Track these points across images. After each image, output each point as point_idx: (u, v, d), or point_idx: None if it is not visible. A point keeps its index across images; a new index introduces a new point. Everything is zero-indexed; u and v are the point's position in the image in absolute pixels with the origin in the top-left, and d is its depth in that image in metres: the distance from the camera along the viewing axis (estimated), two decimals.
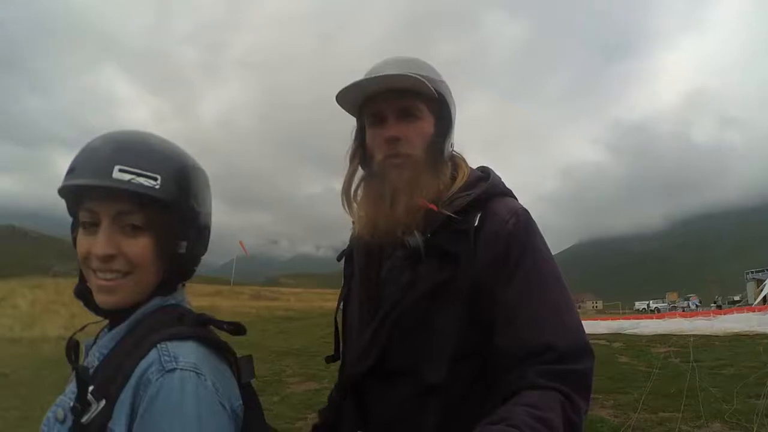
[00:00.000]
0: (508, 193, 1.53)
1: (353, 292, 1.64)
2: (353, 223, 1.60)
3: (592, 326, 14.77)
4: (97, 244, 1.10)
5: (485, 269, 1.35)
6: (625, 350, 10.76)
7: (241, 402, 1.11)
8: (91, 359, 1.11)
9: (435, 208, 1.41)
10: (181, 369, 1.00)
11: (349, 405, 1.46)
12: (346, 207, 1.60)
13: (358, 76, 1.48)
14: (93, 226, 1.12)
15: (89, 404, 1.00)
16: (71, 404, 1.02)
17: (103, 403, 1.00)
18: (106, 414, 0.98)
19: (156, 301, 1.16)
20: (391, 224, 1.44)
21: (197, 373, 1.01)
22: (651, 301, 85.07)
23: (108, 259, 1.10)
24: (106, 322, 1.20)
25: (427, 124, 1.49)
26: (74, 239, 1.15)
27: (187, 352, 1.04)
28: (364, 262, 1.59)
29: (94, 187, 1.08)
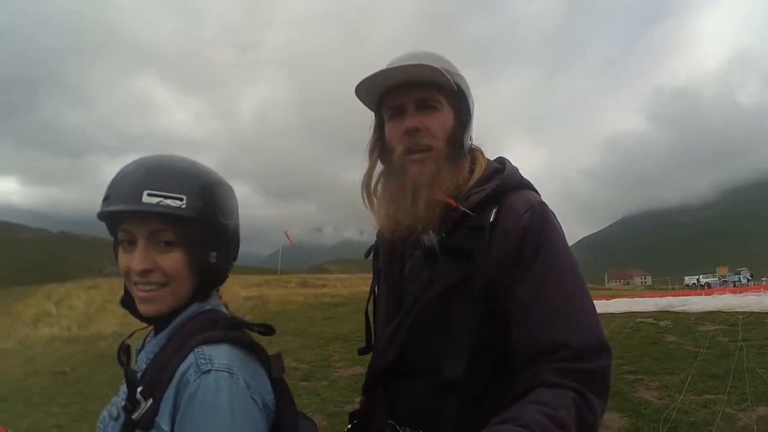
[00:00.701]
0: (525, 185, 1.50)
1: (380, 288, 1.66)
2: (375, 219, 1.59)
3: (640, 304, 14.46)
4: (135, 260, 1.21)
5: (500, 266, 1.34)
6: (673, 329, 10.50)
7: (272, 396, 1.22)
8: (140, 363, 1.25)
9: (453, 203, 1.41)
10: (216, 370, 1.12)
11: (380, 395, 1.51)
12: (367, 203, 1.59)
13: (379, 68, 1.47)
14: (130, 244, 1.24)
15: (138, 403, 1.14)
16: (123, 403, 1.17)
17: (150, 401, 1.13)
18: (153, 411, 1.12)
19: (193, 308, 1.28)
20: (413, 220, 1.45)
21: (230, 373, 1.13)
22: (701, 276, 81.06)
23: (146, 273, 1.22)
24: (151, 327, 1.32)
25: (447, 116, 1.48)
26: (116, 255, 1.27)
27: (220, 355, 1.15)
28: (388, 260, 1.61)
29: (127, 212, 1.20)
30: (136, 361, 1.28)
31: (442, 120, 1.47)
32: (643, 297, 16.02)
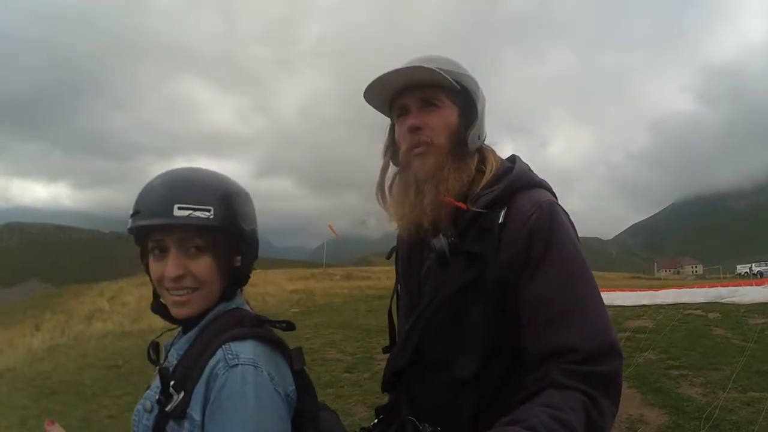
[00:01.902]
0: (536, 184, 1.49)
1: (401, 289, 1.71)
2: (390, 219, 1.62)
3: (689, 294, 14.08)
4: (168, 267, 1.31)
5: (508, 267, 1.35)
6: (721, 321, 10.16)
7: (294, 387, 1.34)
8: (171, 359, 1.36)
9: (463, 206, 1.43)
10: (242, 364, 1.23)
11: (403, 390, 1.56)
12: (381, 202, 1.64)
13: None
14: (161, 252, 1.35)
15: (171, 396, 1.25)
16: (156, 397, 1.28)
17: (182, 394, 1.24)
18: (185, 403, 1.23)
19: (220, 307, 1.39)
20: (417, 215, 1.48)
21: (255, 367, 1.23)
22: (753, 264, 77.45)
23: (179, 279, 1.31)
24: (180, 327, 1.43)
25: (450, 114, 1.50)
26: (146, 265, 1.39)
27: (246, 350, 1.26)
28: (406, 261, 1.66)
29: (161, 225, 1.30)
30: (167, 357, 1.39)
31: (443, 117, 1.50)
32: (692, 288, 15.57)
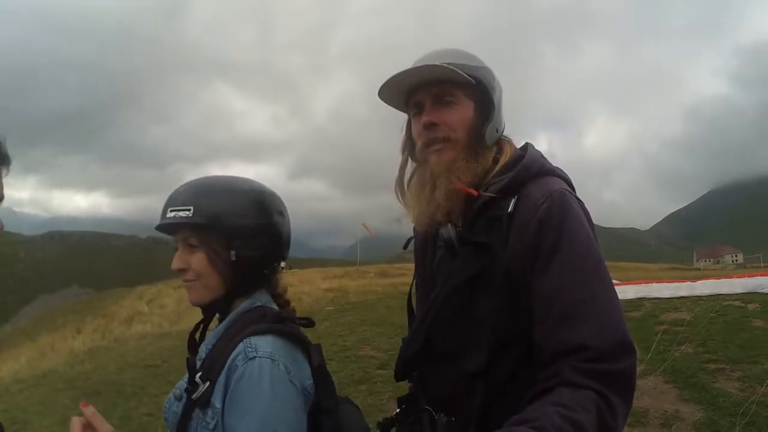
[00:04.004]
0: (548, 172, 1.47)
1: (417, 280, 1.72)
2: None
3: (728, 285, 13.73)
4: (173, 261, 1.47)
5: (517, 259, 1.33)
6: (761, 312, 9.81)
7: (312, 381, 1.39)
8: (201, 352, 1.45)
9: (474, 193, 1.42)
10: (260, 357, 1.31)
11: (418, 380, 1.60)
12: (400, 198, 1.64)
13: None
14: (175, 250, 1.49)
15: (198, 385, 1.34)
16: (185, 386, 1.38)
17: (207, 384, 1.33)
18: (209, 392, 1.32)
19: (245, 304, 1.48)
20: (431, 209, 1.48)
21: (272, 360, 1.31)
22: None
23: (181, 272, 1.47)
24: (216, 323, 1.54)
25: (465, 109, 1.48)
26: None
27: (265, 344, 1.33)
28: (421, 252, 1.68)
29: (159, 226, 1.47)
30: (196, 350, 1.49)
31: (459, 113, 1.48)
32: (731, 278, 15.19)
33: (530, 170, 1.44)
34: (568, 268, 1.29)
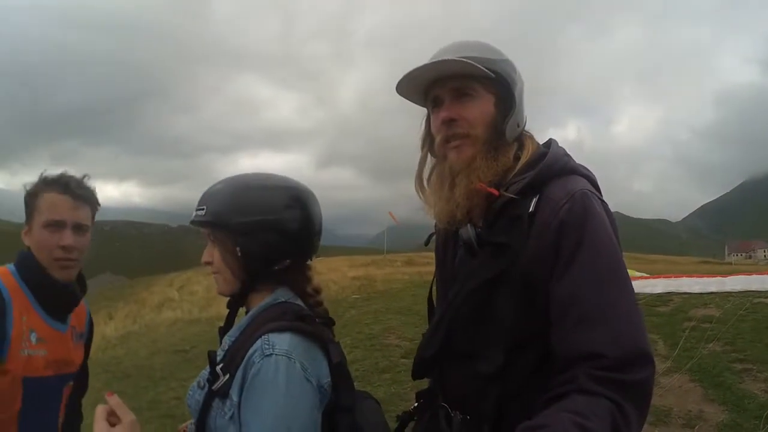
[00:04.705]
0: (571, 170, 1.43)
1: (438, 277, 1.69)
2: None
3: (759, 281, 13.30)
4: (203, 255, 1.54)
5: (537, 260, 1.30)
6: None
7: (329, 380, 1.41)
8: (224, 344, 1.50)
9: (495, 192, 1.38)
10: (276, 354, 1.32)
11: (437, 377, 1.60)
12: (420, 194, 1.61)
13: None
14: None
15: (218, 376, 1.38)
16: (208, 376, 1.42)
17: (227, 376, 1.37)
18: (228, 384, 1.36)
19: (268, 300, 1.51)
20: (451, 207, 1.45)
21: (288, 357, 1.33)
22: None
23: (207, 264, 1.54)
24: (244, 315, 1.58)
25: (485, 104, 1.45)
26: None
27: (282, 341, 1.35)
28: (442, 250, 1.65)
29: (191, 223, 1.53)
30: (221, 342, 1.53)
31: (479, 108, 1.45)
32: (763, 274, 14.76)
33: (552, 169, 1.40)
34: (587, 272, 1.27)
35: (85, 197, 1.97)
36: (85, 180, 1.99)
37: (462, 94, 1.45)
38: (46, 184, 1.92)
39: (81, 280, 2.09)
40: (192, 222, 1.51)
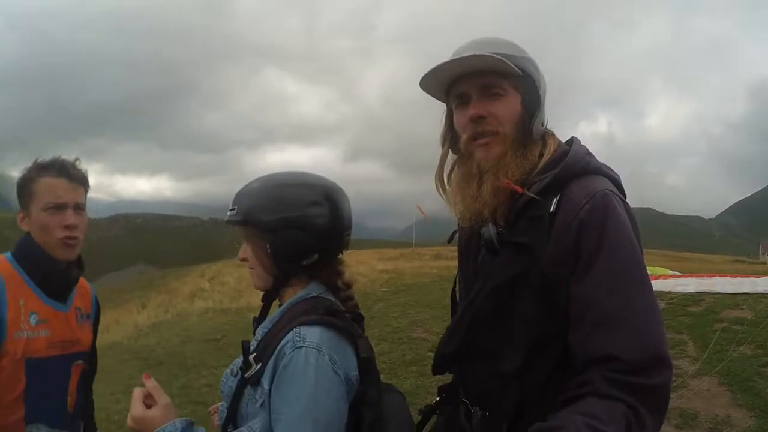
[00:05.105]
0: (593, 170, 1.42)
1: (460, 275, 1.70)
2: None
3: None
4: (240, 252, 1.60)
5: (557, 261, 1.30)
6: None
7: (357, 373, 1.46)
8: (257, 334, 1.55)
9: (520, 190, 1.37)
10: (306, 347, 1.38)
11: (458, 373, 1.62)
12: (440, 191, 1.61)
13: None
14: None
15: (251, 365, 1.43)
16: (241, 365, 1.47)
17: (259, 365, 1.42)
18: (260, 373, 1.41)
19: (301, 294, 1.56)
20: (479, 206, 1.43)
21: (318, 350, 1.38)
22: None
23: (243, 260, 1.60)
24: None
25: (513, 102, 1.44)
26: None
27: (313, 335, 1.40)
28: (465, 249, 1.64)
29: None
30: (254, 333, 1.58)
31: (507, 105, 1.43)
32: None
33: (574, 168, 1.39)
34: (607, 274, 1.26)
35: (81, 179, 2.04)
36: (77, 163, 2.05)
37: (491, 92, 1.43)
38: (41, 169, 1.98)
39: (79, 261, 2.14)
40: (226, 222, 1.56)
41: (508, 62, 1.37)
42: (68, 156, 2.04)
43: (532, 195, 1.36)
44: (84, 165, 2.07)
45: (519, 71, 1.40)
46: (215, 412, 1.78)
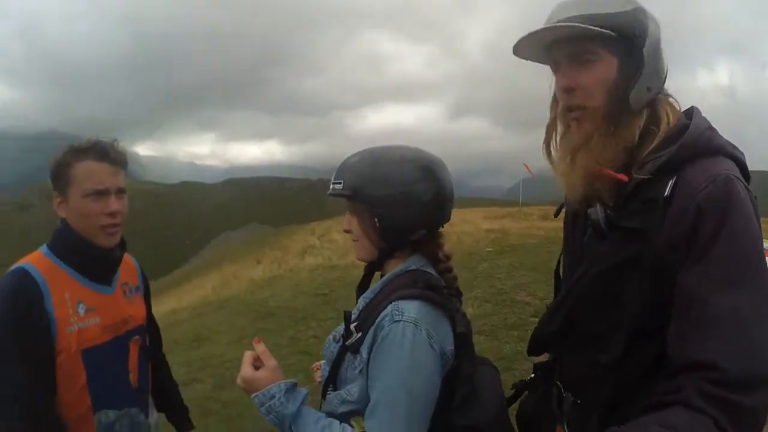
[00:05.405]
0: (715, 150, 1.27)
1: (564, 254, 1.63)
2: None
3: None
4: (344, 223, 1.64)
5: (669, 249, 1.20)
6: None
7: (452, 348, 1.51)
8: (359, 303, 1.62)
9: (625, 179, 1.27)
10: (404, 321, 1.43)
11: (554, 355, 1.60)
12: (547, 160, 1.51)
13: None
14: None
15: (352, 333, 1.51)
16: (342, 332, 1.55)
17: (359, 334, 1.49)
18: (360, 341, 1.48)
19: (402, 266, 1.60)
20: (571, 185, 1.38)
21: (415, 325, 1.43)
22: None
23: (347, 231, 1.64)
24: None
25: (606, 68, 1.30)
26: None
27: (411, 309, 1.45)
28: (571, 227, 1.58)
29: (329, 195, 1.62)
30: (357, 302, 1.65)
31: (598, 74, 1.31)
32: None
33: (694, 147, 1.25)
34: (720, 267, 1.14)
35: (122, 162, 1.95)
36: (115, 144, 1.96)
37: (581, 58, 1.32)
38: (79, 152, 1.88)
39: (122, 242, 2.05)
40: (330, 194, 1.60)
41: (595, 27, 1.25)
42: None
43: (644, 177, 1.25)
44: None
45: (610, 32, 1.26)
46: (318, 369, 1.91)
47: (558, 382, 1.51)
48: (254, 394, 1.48)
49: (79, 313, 1.86)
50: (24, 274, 1.80)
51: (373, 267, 1.69)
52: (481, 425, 1.47)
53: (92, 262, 1.95)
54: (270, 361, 1.53)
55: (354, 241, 1.64)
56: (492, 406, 1.54)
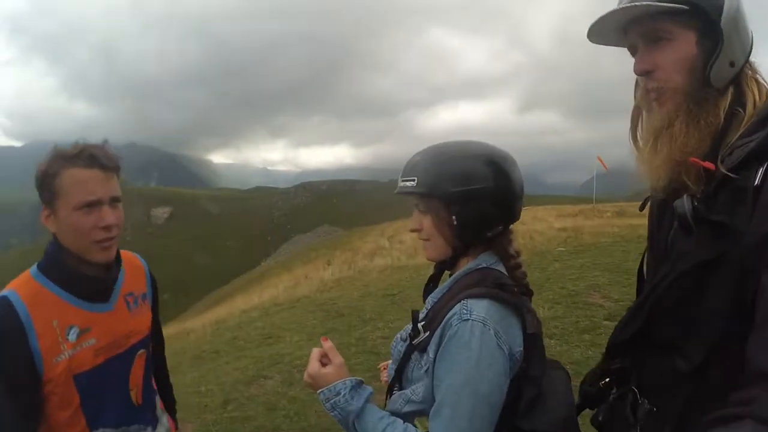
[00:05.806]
0: None
1: (649, 250, 1.53)
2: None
3: None
4: (411, 222, 1.63)
5: (759, 245, 1.07)
6: None
7: (521, 348, 1.47)
8: (427, 303, 1.63)
9: (712, 167, 1.17)
10: (473, 320, 1.41)
11: (631, 359, 1.49)
12: (633, 148, 1.43)
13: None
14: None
15: (419, 332, 1.52)
16: (410, 332, 1.57)
17: (427, 333, 1.50)
18: (427, 340, 1.49)
19: (471, 265, 1.58)
20: (654, 173, 1.29)
21: (484, 324, 1.40)
22: None
23: (414, 231, 1.62)
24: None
25: (684, 45, 1.22)
26: None
27: (479, 308, 1.43)
28: (657, 221, 1.46)
29: (397, 193, 1.59)
30: (424, 301, 1.67)
31: (675, 52, 1.23)
32: None
33: None
34: None
35: (114, 166, 1.73)
36: (106, 146, 1.75)
37: (654, 38, 1.25)
38: (66, 159, 1.66)
39: (117, 256, 1.88)
40: (401, 192, 1.58)
41: (664, 3, 1.18)
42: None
43: (731, 167, 1.14)
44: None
45: (683, 6, 1.18)
46: (384, 368, 1.95)
47: (634, 388, 1.44)
48: (320, 390, 1.50)
49: (69, 340, 1.69)
50: (6, 305, 1.62)
51: (444, 266, 1.66)
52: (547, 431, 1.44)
53: (86, 282, 1.76)
54: (337, 358, 1.54)
55: (424, 240, 1.60)
56: (560, 411, 1.49)
